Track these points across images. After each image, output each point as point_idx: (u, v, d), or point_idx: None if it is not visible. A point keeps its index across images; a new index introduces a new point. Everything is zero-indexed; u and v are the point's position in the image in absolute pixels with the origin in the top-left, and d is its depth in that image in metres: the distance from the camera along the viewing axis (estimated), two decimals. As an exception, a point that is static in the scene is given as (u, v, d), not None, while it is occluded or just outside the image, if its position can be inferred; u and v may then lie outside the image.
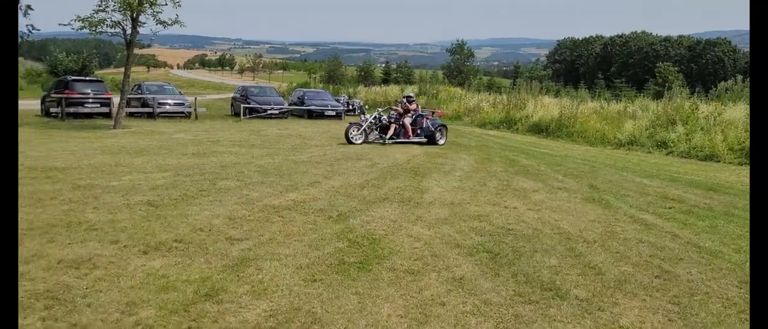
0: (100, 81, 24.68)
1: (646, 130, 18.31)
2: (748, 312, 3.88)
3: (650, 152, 16.76)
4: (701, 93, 28.03)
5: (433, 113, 16.38)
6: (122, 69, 19.63)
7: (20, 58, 58.52)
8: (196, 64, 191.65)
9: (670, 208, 7.55)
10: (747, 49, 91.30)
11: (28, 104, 26.96)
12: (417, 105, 15.84)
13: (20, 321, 3.40)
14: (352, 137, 14.23)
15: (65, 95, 21.00)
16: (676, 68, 76.97)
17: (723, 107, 18.62)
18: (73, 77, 24.76)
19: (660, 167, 12.91)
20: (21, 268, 4.27)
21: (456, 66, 70.95)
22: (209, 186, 7.72)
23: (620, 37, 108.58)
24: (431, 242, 5.44)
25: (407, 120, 14.95)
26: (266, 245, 5.11)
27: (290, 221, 6.03)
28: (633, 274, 4.72)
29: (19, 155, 10.16)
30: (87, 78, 26.13)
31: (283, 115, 25.23)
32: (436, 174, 9.63)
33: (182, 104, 24.10)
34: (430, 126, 15.05)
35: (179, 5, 17.64)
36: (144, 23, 17.13)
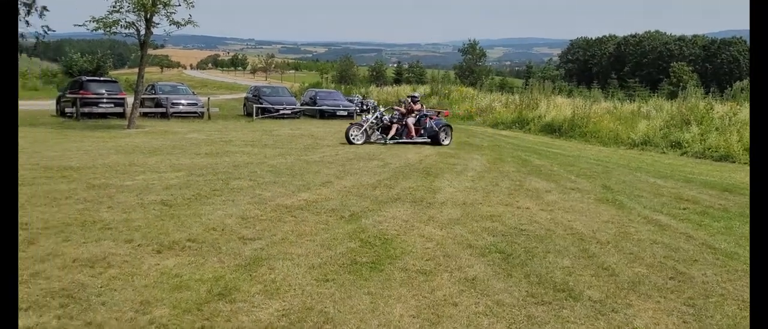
0: (115, 81, 24.88)
1: (660, 130, 18.16)
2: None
3: (664, 152, 16.62)
4: (716, 93, 27.78)
5: (439, 113, 16.14)
6: (136, 69, 19.77)
7: (36, 59, 59.31)
8: (209, 65, 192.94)
9: (684, 209, 7.48)
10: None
11: (44, 104, 27.28)
12: (421, 105, 15.69)
13: (35, 320, 3.44)
14: (352, 137, 14.06)
15: (80, 96, 21.18)
16: (690, 68, 76.37)
17: (738, 107, 18.42)
18: (87, 78, 25.00)
19: (674, 167, 12.80)
20: (37, 266, 4.32)
21: (468, 66, 70.81)
22: (222, 186, 7.76)
23: (634, 36, 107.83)
24: (443, 242, 5.43)
25: (410, 120, 14.78)
26: (279, 245, 5.13)
27: (302, 221, 6.05)
28: (647, 275, 4.68)
29: (35, 155, 10.29)
30: (101, 78, 26.34)
31: (295, 115, 25.30)
32: (449, 174, 9.62)
33: (195, 104, 24.24)
34: (434, 126, 14.82)
35: (192, 6, 17.73)
36: (158, 24, 17.24)
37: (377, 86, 51.60)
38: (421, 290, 4.19)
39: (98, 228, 5.44)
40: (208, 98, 27.01)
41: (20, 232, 5.20)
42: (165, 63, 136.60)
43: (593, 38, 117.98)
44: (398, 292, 4.12)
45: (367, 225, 5.93)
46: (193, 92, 27.04)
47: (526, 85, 39.05)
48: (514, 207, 7.13)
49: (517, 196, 7.90)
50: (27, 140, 13.25)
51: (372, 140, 14.37)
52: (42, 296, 3.78)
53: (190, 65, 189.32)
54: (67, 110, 21.80)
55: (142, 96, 20.34)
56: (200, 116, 23.79)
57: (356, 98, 32.14)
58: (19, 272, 4.19)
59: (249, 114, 25.42)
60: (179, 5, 17.35)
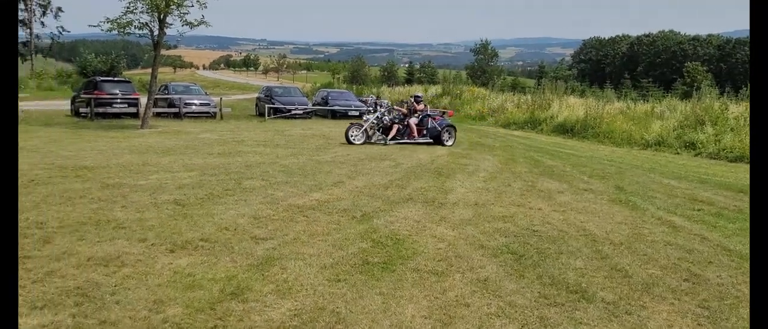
0: (128, 82, 25.07)
1: (673, 131, 18.00)
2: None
3: (678, 153, 16.48)
4: (731, 93, 27.45)
5: (444, 113, 16.02)
6: (149, 70, 19.90)
7: (51, 60, 59.83)
8: (222, 65, 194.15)
9: (699, 210, 7.42)
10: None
11: (59, 104, 27.54)
12: (425, 105, 15.55)
13: (50, 318, 3.47)
14: (351, 137, 13.96)
15: (94, 96, 21.37)
16: (704, 68, 75.65)
17: (754, 107, 18.18)
18: (101, 78, 25.20)
19: (688, 168, 12.69)
20: (52, 265, 4.36)
21: (480, 66, 70.59)
22: (234, 186, 7.80)
23: (647, 36, 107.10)
24: (455, 243, 5.42)
25: (413, 120, 14.66)
26: (291, 245, 5.14)
27: (314, 221, 6.06)
28: (661, 277, 4.65)
29: (50, 155, 10.39)
30: (115, 79, 26.54)
31: (306, 115, 25.36)
32: (460, 175, 9.60)
33: (208, 105, 24.37)
34: (437, 127, 14.71)
35: (205, 6, 17.85)
36: (171, 24, 17.37)
37: (389, 86, 51.56)
38: (433, 290, 4.18)
39: (112, 227, 5.49)
40: (221, 98, 27.11)
41: (36, 231, 5.26)
42: (178, 63, 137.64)
43: (606, 38, 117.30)
44: (410, 293, 4.12)
45: (378, 225, 5.93)
46: (206, 93, 27.18)
47: (539, 85, 38.91)
48: (526, 208, 7.11)
49: (529, 197, 7.87)
50: (42, 139, 13.38)
51: (372, 141, 14.24)
52: (57, 294, 3.82)
53: (203, 66, 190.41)
54: (81, 110, 21.99)
55: (156, 96, 20.49)
56: (213, 116, 23.92)
57: (371, 98, 32.12)
58: (35, 270, 4.24)
59: (261, 114, 25.51)
60: (192, 6, 17.48)
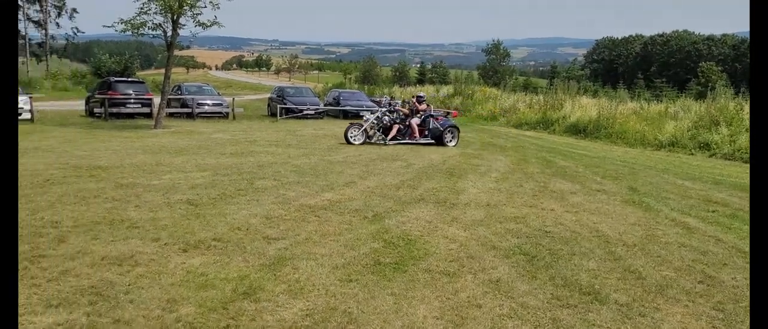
0: (142, 82, 25.25)
1: (688, 131, 17.84)
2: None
3: (692, 153, 16.33)
4: (746, 93, 27.16)
5: (448, 113, 15.83)
6: (163, 70, 20.07)
7: (65, 60, 60.41)
8: (234, 65, 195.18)
9: (713, 211, 7.34)
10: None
11: (74, 104, 27.80)
12: (427, 105, 15.37)
13: (65, 316, 3.50)
14: (351, 137, 13.89)
15: (108, 96, 21.56)
16: (719, 68, 74.96)
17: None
18: (115, 78, 25.41)
19: (703, 169, 12.57)
20: (67, 264, 4.40)
21: (492, 66, 70.48)
22: (247, 186, 7.83)
23: (661, 36, 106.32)
24: (467, 243, 5.41)
25: (415, 121, 14.54)
26: (302, 245, 5.15)
27: (326, 221, 6.07)
28: (675, 279, 4.61)
29: (65, 155, 10.49)
30: (129, 79, 26.74)
31: (318, 115, 25.42)
32: (472, 175, 9.57)
33: (220, 105, 24.49)
34: (439, 127, 14.55)
35: (218, 7, 17.94)
36: (184, 25, 17.49)
37: (400, 87, 51.59)
38: (445, 291, 4.17)
39: (126, 227, 5.53)
40: (233, 99, 27.26)
41: (51, 230, 5.31)
42: (191, 64, 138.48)
43: (619, 38, 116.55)
44: (422, 293, 4.12)
45: (390, 226, 5.93)
46: (218, 93, 27.31)
47: (551, 85, 38.72)
48: (538, 209, 7.07)
49: (541, 197, 7.83)
50: (57, 139, 13.52)
51: (372, 141, 14.14)
52: (72, 293, 3.86)
53: (216, 66, 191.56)
54: (95, 110, 22.18)
55: (169, 97, 20.62)
56: (225, 116, 24.04)
57: (385, 99, 32.12)
58: (50, 269, 4.28)
59: (273, 114, 25.61)
60: (205, 7, 17.61)
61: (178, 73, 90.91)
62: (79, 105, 25.98)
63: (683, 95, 33.92)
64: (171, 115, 22.01)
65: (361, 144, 13.86)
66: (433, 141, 14.54)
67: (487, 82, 55.97)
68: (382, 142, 14.11)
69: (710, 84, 44.79)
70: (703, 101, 21.02)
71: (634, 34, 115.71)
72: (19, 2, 50.87)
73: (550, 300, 4.08)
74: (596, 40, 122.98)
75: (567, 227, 6.15)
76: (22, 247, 4.73)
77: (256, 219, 5.99)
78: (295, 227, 5.74)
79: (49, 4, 53.43)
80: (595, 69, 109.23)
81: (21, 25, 51.52)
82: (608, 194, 8.33)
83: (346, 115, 25.69)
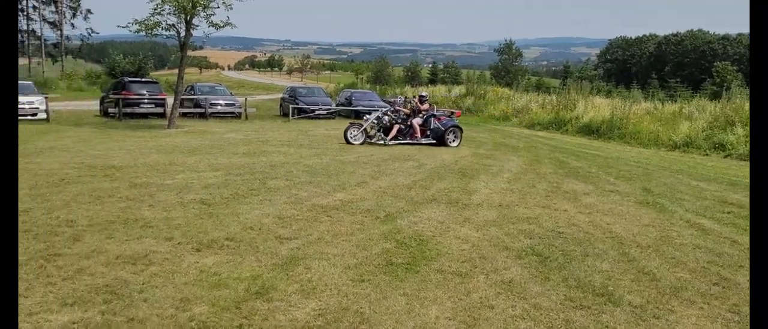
0: (155, 82, 25.45)
1: (702, 131, 17.65)
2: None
3: (707, 154, 16.17)
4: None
5: (451, 113, 15.67)
6: (176, 70, 20.16)
7: (80, 60, 60.96)
8: (246, 66, 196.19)
9: (728, 213, 7.27)
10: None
11: (88, 104, 28.05)
12: (430, 105, 15.25)
13: (80, 315, 3.54)
14: (350, 137, 13.83)
15: (122, 96, 21.73)
16: (734, 68, 74.09)
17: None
18: (129, 79, 25.59)
19: (718, 170, 12.44)
20: (82, 263, 4.44)
21: (504, 66, 70.25)
22: (259, 185, 7.86)
23: (675, 35, 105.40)
24: (479, 244, 5.40)
25: (416, 121, 14.45)
26: (315, 245, 5.16)
27: (338, 221, 6.08)
28: (690, 281, 4.56)
29: (80, 154, 10.58)
30: (143, 79, 26.92)
31: (330, 115, 25.45)
32: (484, 176, 9.55)
33: (233, 105, 24.62)
34: (441, 127, 14.39)
35: (231, 7, 18.01)
36: (197, 26, 17.59)
37: (412, 87, 51.55)
38: (457, 292, 4.17)
39: (140, 226, 5.57)
40: (246, 99, 27.39)
41: (66, 229, 5.36)
42: (204, 64, 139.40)
43: (633, 38, 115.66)
44: (434, 294, 4.11)
45: (402, 226, 5.93)
46: (231, 93, 27.44)
47: (564, 85, 38.52)
48: (551, 209, 7.04)
49: (554, 198, 7.80)
50: (72, 139, 13.65)
51: (372, 141, 14.07)
52: (86, 292, 3.89)
53: (228, 66, 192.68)
54: (110, 110, 22.38)
55: (182, 97, 20.75)
56: (238, 116, 24.15)
57: (399, 99, 32.06)
58: (65, 268, 4.32)
59: (285, 114, 25.69)
60: (218, 7, 17.66)
61: (191, 74, 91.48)
62: (94, 105, 26.20)
63: (698, 95, 33.60)
64: (184, 115, 22.14)
65: (360, 144, 13.83)
66: (434, 141, 14.42)
67: (500, 82, 55.83)
68: (383, 142, 14.02)
69: (725, 84, 44.35)
70: (718, 101, 20.81)
71: (647, 34, 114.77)
72: (35, 3, 51.52)
73: (563, 301, 4.06)
74: (609, 40, 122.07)
75: (580, 228, 6.12)
76: (38, 246, 4.78)
77: (269, 219, 6.01)
78: (307, 227, 5.75)
79: (64, 5, 53.96)
80: (609, 69, 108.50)
81: (36, 26, 52.18)
82: (622, 195, 8.27)
83: (358, 115, 25.69)
